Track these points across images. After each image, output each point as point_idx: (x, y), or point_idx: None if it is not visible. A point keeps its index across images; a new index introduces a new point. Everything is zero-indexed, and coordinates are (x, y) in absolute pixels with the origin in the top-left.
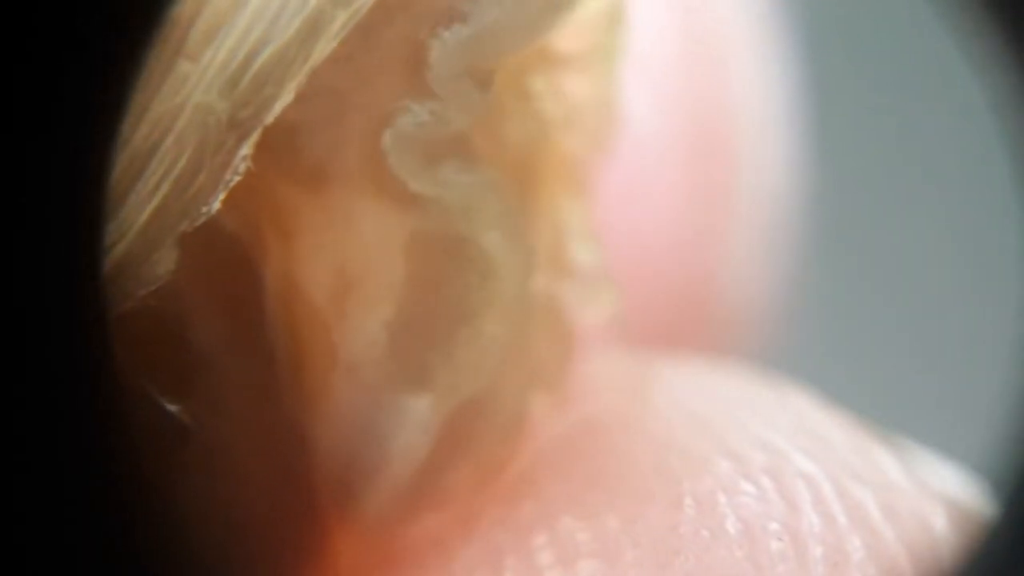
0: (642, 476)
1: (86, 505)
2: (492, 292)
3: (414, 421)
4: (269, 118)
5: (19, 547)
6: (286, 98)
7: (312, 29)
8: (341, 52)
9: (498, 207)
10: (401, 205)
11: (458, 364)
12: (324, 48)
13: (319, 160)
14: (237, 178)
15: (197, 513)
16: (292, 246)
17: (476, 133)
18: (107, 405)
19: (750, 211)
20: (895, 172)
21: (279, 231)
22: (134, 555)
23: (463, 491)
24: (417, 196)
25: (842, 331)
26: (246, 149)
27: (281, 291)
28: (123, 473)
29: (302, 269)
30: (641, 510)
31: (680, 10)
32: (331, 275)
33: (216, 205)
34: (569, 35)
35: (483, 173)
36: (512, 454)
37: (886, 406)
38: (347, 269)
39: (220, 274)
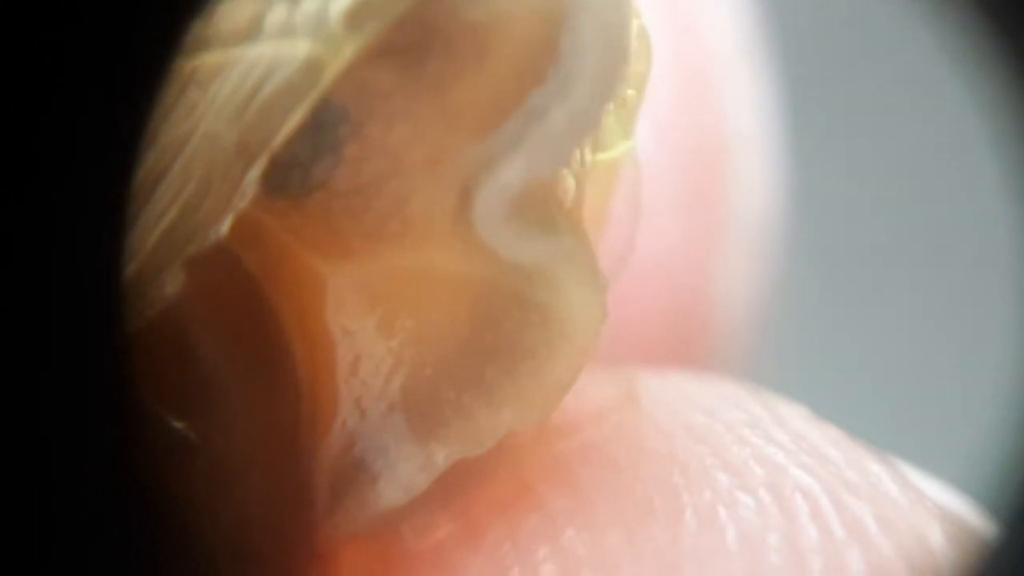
0: (643, 490)
1: (101, 510)
2: (553, 333)
3: (416, 459)
4: (276, 144)
5: (37, 551)
6: (292, 123)
7: (319, 60)
8: (397, 108)
9: (576, 274)
10: (471, 261)
11: (502, 399)
12: (330, 77)
13: (372, 222)
14: (244, 203)
15: (206, 520)
16: (314, 280)
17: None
18: (123, 418)
19: (742, 230)
20: (879, 189)
21: (297, 259)
22: (147, 558)
23: (467, 506)
24: (493, 255)
25: (832, 346)
26: (254, 173)
27: (293, 319)
28: (135, 482)
29: (320, 291)
30: (642, 524)
31: (672, 37)
32: (357, 308)
33: (224, 229)
34: None
35: (565, 240)
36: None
37: (877, 422)
38: (380, 308)
39: (229, 297)
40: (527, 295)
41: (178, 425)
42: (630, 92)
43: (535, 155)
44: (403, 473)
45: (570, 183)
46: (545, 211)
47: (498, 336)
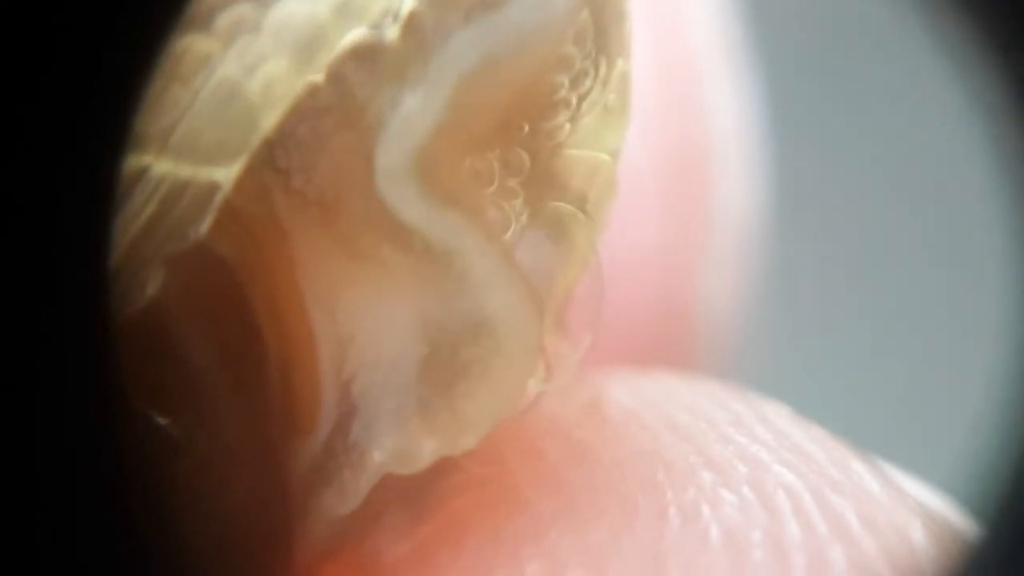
0: (627, 488)
1: (88, 510)
2: (498, 342)
3: (358, 467)
4: (254, 143)
5: (25, 550)
6: (271, 121)
7: (302, 55)
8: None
9: (488, 260)
10: (397, 239)
11: (452, 413)
12: (314, 73)
13: (322, 188)
14: (222, 199)
15: (192, 519)
16: (288, 271)
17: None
18: (110, 415)
19: (725, 230)
20: (862, 188)
21: (275, 259)
22: (134, 558)
23: (446, 508)
24: (409, 228)
25: (814, 347)
26: (234, 171)
27: (272, 315)
28: (123, 481)
29: (295, 291)
30: (627, 522)
31: (654, 38)
32: (325, 302)
33: (204, 228)
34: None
35: (474, 229)
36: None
37: (860, 422)
38: (344, 300)
39: (210, 296)
40: (453, 293)
41: (163, 422)
42: (611, 96)
43: (431, 88)
44: (347, 479)
45: (510, 217)
46: (456, 189)
47: (436, 349)
